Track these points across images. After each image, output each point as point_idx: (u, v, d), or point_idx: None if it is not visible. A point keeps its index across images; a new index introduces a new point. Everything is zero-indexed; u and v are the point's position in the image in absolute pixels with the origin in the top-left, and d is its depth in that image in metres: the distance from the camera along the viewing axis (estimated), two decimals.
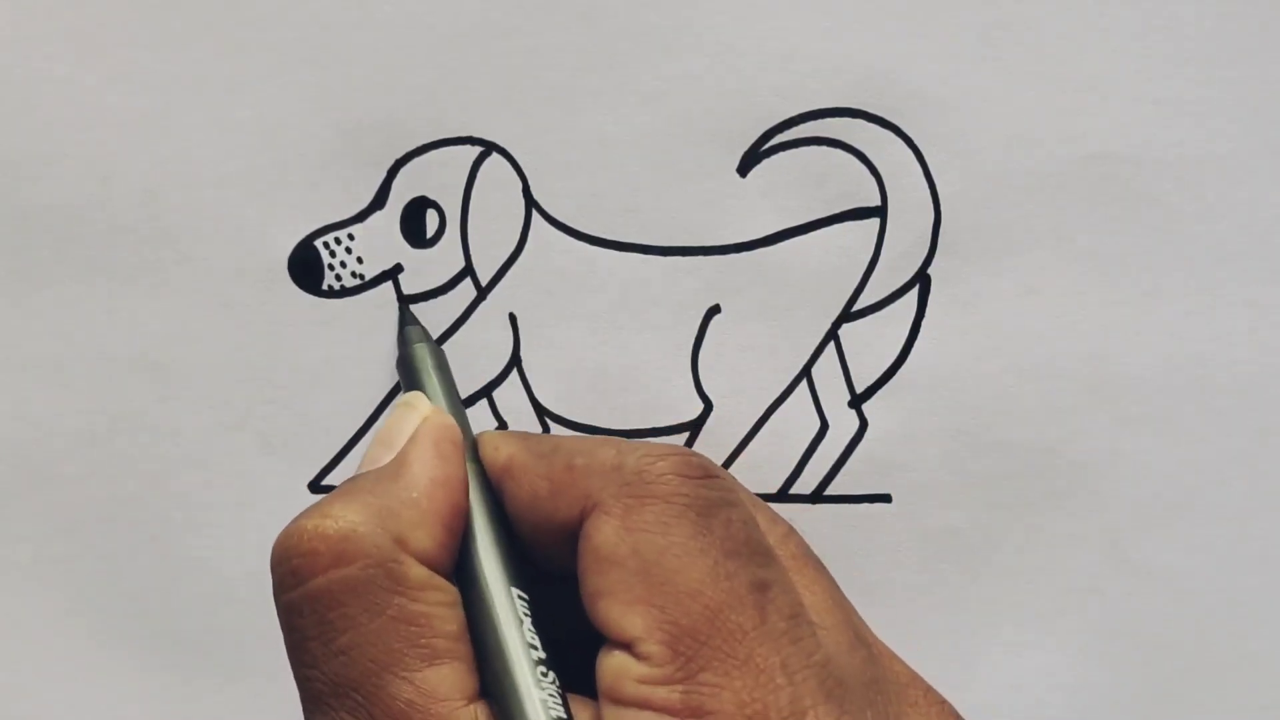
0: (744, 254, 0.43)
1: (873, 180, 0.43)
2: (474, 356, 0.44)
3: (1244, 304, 0.43)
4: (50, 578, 0.44)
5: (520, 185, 0.43)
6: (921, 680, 0.37)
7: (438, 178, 0.43)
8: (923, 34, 0.43)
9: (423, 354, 0.41)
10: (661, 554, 0.33)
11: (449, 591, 0.34)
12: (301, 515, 0.34)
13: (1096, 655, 0.44)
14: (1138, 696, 0.44)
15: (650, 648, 0.32)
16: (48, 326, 0.44)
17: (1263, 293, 0.43)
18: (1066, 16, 0.43)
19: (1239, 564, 0.44)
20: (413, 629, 0.33)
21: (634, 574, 0.33)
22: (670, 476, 0.34)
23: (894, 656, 0.37)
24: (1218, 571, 0.44)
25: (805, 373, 0.44)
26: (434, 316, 0.44)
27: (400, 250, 0.44)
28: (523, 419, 0.44)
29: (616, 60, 0.43)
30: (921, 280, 0.43)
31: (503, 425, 0.44)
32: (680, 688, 0.32)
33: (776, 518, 0.38)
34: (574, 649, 0.34)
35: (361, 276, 0.44)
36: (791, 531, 0.38)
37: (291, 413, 0.44)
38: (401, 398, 0.39)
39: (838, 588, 0.37)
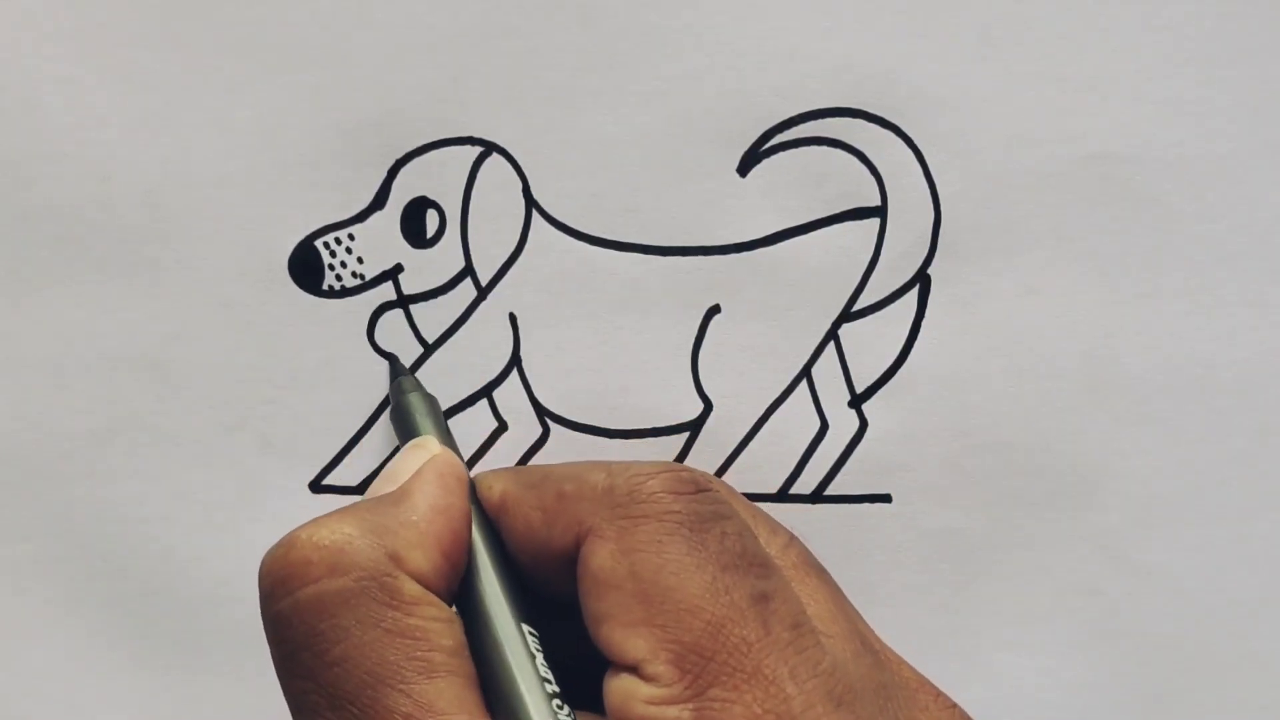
0: (744, 254, 0.43)
1: (873, 180, 0.43)
2: (474, 356, 0.44)
3: (1244, 304, 0.43)
4: (50, 578, 0.44)
5: (520, 185, 0.43)
6: (930, 684, 0.37)
7: (438, 178, 0.43)
8: (923, 34, 0.43)
9: (419, 403, 0.41)
10: (658, 573, 0.33)
11: (444, 610, 0.34)
12: (295, 529, 0.34)
13: (1096, 655, 0.44)
14: (1138, 696, 0.44)
15: (657, 668, 0.32)
16: (48, 326, 0.44)
17: (1263, 293, 0.43)
18: (1066, 16, 0.43)
19: (1239, 564, 0.44)
20: (408, 642, 0.32)
21: (632, 595, 0.33)
22: (661, 495, 0.34)
23: (901, 661, 0.37)
24: (1218, 571, 0.44)
25: (805, 373, 0.44)
26: (434, 316, 0.44)
27: (400, 250, 0.44)
28: (523, 419, 0.44)
29: (616, 60, 0.43)
30: (921, 280, 0.43)
31: (503, 425, 0.44)
32: (690, 706, 0.32)
33: (777, 526, 0.38)
34: (583, 676, 0.34)
35: (362, 276, 0.44)
36: (793, 540, 0.38)
37: (291, 413, 0.44)
38: (412, 441, 0.39)
39: (842, 594, 0.37)
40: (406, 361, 0.44)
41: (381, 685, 0.32)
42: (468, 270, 0.44)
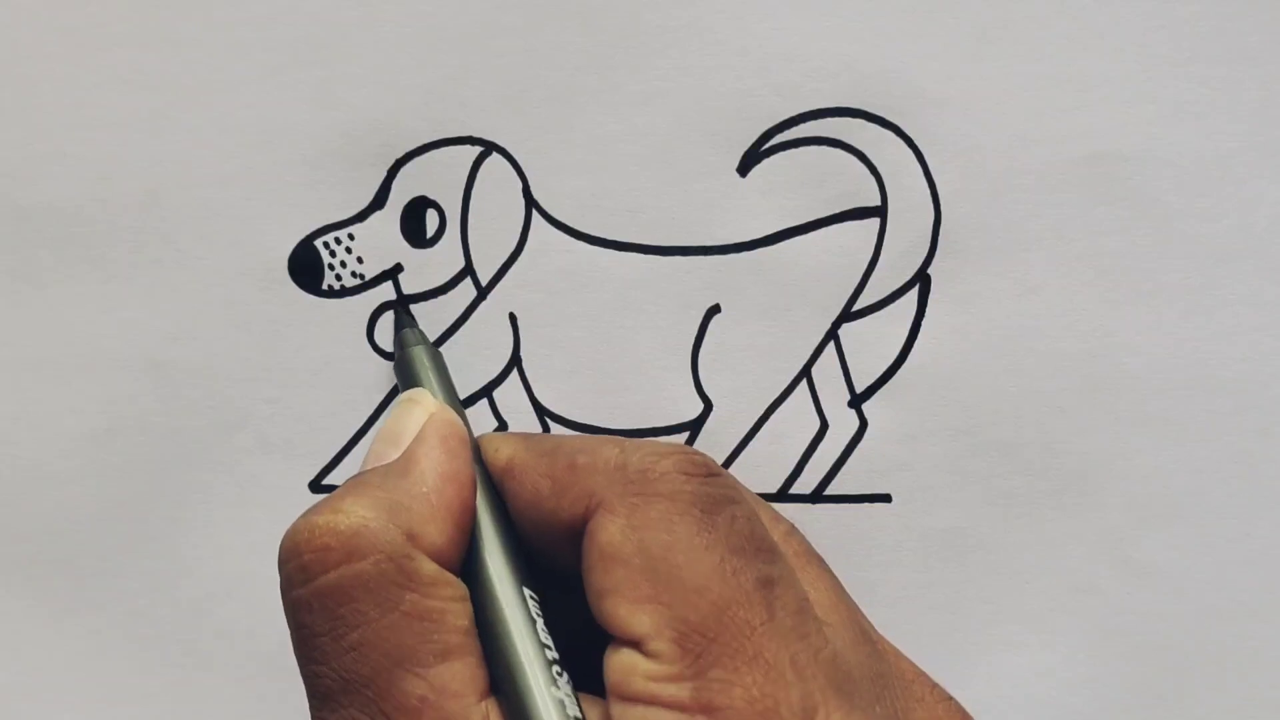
0: (744, 254, 0.43)
1: (873, 180, 0.43)
2: (474, 356, 0.44)
3: (1244, 304, 0.43)
4: (50, 578, 0.44)
5: (520, 185, 0.43)
6: (927, 677, 0.37)
7: (438, 178, 0.43)
8: (923, 34, 0.43)
9: (420, 355, 0.41)
10: (667, 551, 0.33)
11: (459, 587, 0.34)
12: (310, 511, 0.34)
13: (1096, 655, 0.44)
14: (1138, 696, 0.44)
15: (659, 645, 0.32)
16: (48, 326, 0.44)
17: (1263, 293, 0.43)
18: (1066, 16, 0.43)
19: (1239, 564, 0.44)
20: (425, 625, 0.33)
21: (640, 572, 0.33)
22: (674, 475, 0.34)
23: (899, 654, 0.37)
24: (1218, 571, 0.44)
25: (805, 373, 0.44)
26: (434, 316, 0.44)
27: (400, 250, 0.44)
28: (523, 419, 0.44)
29: (616, 60, 0.43)
30: (921, 280, 0.43)
31: (503, 425, 0.44)
32: (690, 684, 0.32)
33: (778, 516, 0.38)
34: (579, 647, 0.34)
35: (361, 276, 0.44)
36: (794, 529, 0.38)
37: (291, 412, 0.44)
38: (404, 394, 0.39)
39: (840, 585, 0.37)
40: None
41: (397, 669, 0.32)
42: (468, 270, 0.44)
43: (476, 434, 0.39)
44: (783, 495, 0.44)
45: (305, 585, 0.33)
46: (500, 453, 0.37)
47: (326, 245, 0.44)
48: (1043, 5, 0.43)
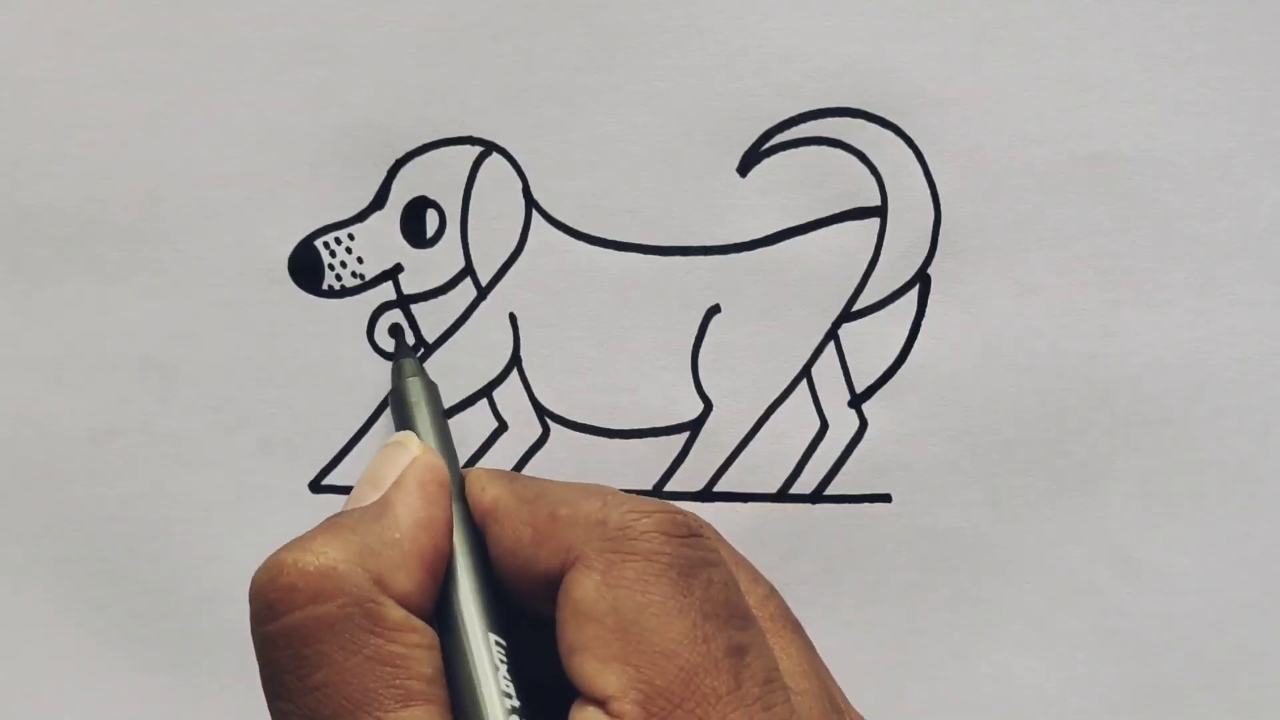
0: (744, 254, 0.43)
1: (873, 180, 0.43)
2: (474, 356, 0.44)
3: (1244, 304, 0.43)
4: (50, 578, 0.44)
5: (520, 185, 0.43)
6: None
7: (438, 178, 0.43)
8: (923, 34, 0.43)
9: (415, 388, 0.40)
10: (640, 612, 0.33)
11: (426, 634, 0.34)
12: (282, 549, 0.34)
13: (1096, 655, 0.44)
14: (1137, 696, 0.44)
15: (624, 706, 0.32)
16: (48, 326, 0.44)
17: (1263, 292, 0.43)
18: (1066, 16, 0.43)
19: (1239, 564, 0.44)
20: (388, 669, 0.33)
21: (611, 631, 0.33)
22: (654, 534, 0.34)
23: None
24: (1218, 571, 0.44)
25: (805, 372, 0.44)
26: (434, 316, 0.44)
27: (400, 250, 0.44)
28: (523, 419, 0.44)
29: (616, 60, 0.43)
30: (921, 280, 0.43)
31: (503, 425, 0.44)
32: None
33: (758, 577, 0.38)
34: (550, 696, 0.34)
35: (361, 276, 0.44)
36: (772, 592, 0.38)
37: (291, 413, 0.44)
38: (393, 438, 0.39)
39: (815, 652, 0.38)
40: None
41: (360, 712, 0.32)
42: (468, 270, 0.44)
43: (464, 463, 0.39)
44: (782, 495, 0.44)
45: (271, 622, 0.33)
46: (486, 493, 0.37)
47: (326, 245, 0.44)
48: (1043, 5, 0.43)
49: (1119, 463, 0.43)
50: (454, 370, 0.44)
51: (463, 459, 0.44)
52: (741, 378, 0.44)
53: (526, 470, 0.44)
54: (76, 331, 0.44)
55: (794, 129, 0.43)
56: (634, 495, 0.35)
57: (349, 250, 0.44)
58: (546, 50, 0.43)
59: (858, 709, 0.38)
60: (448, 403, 0.44)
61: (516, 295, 0.44)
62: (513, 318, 0.44)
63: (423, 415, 0.40)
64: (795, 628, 0.37)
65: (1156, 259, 0.43)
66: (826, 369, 0.44)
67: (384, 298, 0.44)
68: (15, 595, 0.44)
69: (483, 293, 0.44)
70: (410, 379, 0.41)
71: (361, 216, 0.44)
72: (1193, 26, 0.43)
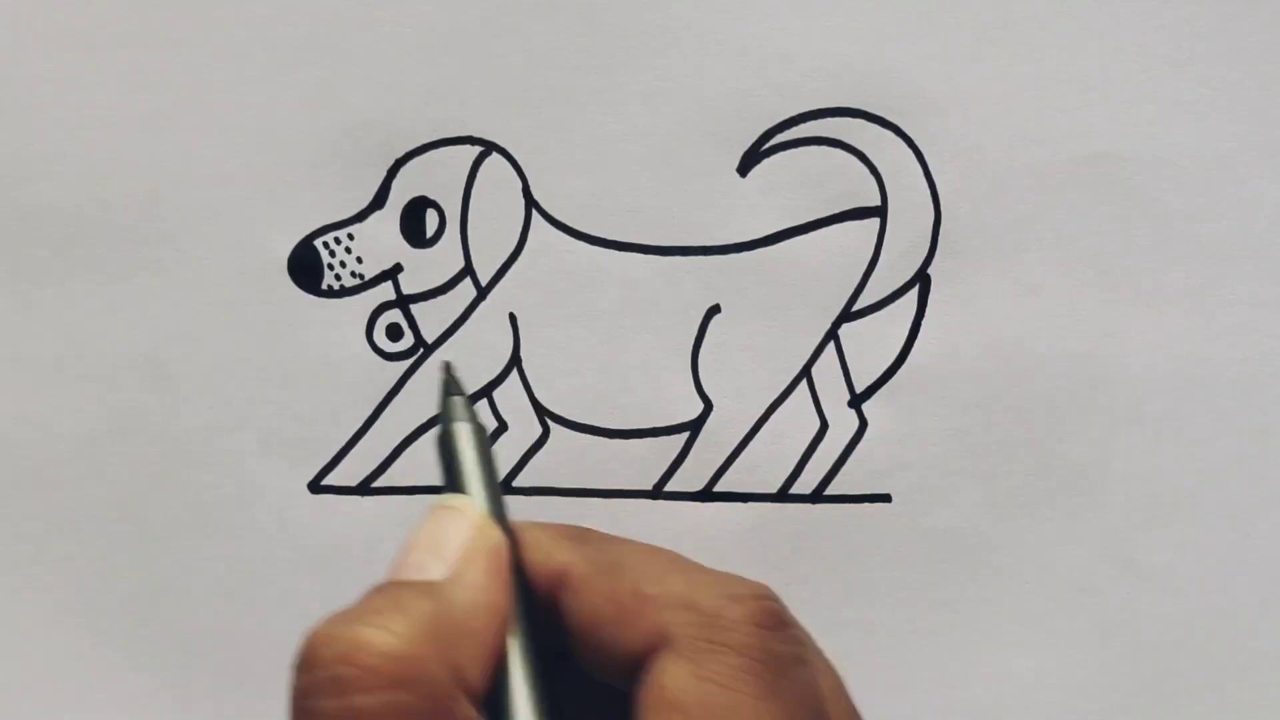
0: (744, 254, 0.43)
1: (873, 180, 0.43)
2: (474, 356, 0.44)
3: (1244, 303, 0.43)
4: (50, 578, 0.44)
5: (520, 185, 0.43)
6: None
7: (438, 177, 0.43)
8: (923, 34, 0.43)
9: (465, 436, 0.35)
10: (728, 712, 0.32)
11: None
12: (350, 617, 0.31)
13: (1096, 655, 0.44)
14: (1138, 696, 0.44)
15: None
16: (48, 326, 0.44)
17: (1263, 292, 0.43)
18: (1066, 16, 0.43)
19: (1239, 564, 0.43)
20: None
21: None
22: (746, 625, 0.33)
23: None
24: (1218, 571, 0.44)
25: (805, 373, 0.44)
26: (434, 316, 0.44)
27: (400, 250, 0.44)
28: (523, 419, 0.44)
29: (617, 60, 0.43)
30: (921, 280, 0.43)
31: (503, 425, 0.44)
32: None
33: (828, 667, 0.37)
34: None
35: (361, 276, 0.44)
36: (840, 686, 0.37)
37: (291, 412, 0.44)
38: (448, 500, 0.35)
39: None
40: (405, 362, 0.44)
41: None
42: (467, 270, 0.44)
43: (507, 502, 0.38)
44: (782, 495, 0.44)
45: (336, 698, 0.31)
46: (553, 558, 0.34)
47: (326, 245, 0.43)
48: (1043, 5, 0.43)
49: (1119, 463, 0.43)
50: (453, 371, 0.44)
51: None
52: (741, 378, 0.44)
53: (527, 471, 0.44)
54: (76, 331, 0.44)
55: (794, 129, 0.43)
56: (717, 573, 0.34)
57: (349, 250, 0.44)
58: (547, 50, 0.43)
59: (857, 709, 0.38)
60: None
61: (516, 295, 0.44)
62: (512, 318, 0.44)
63: (474, 469, 0.36)
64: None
65: (1156, 259, 0.43)
66: (826, 369, 0.44)
67: (383, 298, 0.44)
68: (15, 595, 0.44)
69: (482, 293, 0.44)
70: (460, 423, 0.36)
71: (361, 216, 0.44)
72: (1193, 26, 0.43)
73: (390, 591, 0.33)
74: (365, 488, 0.44)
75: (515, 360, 0.44)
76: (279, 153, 0.43)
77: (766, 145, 0.43)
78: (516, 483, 0.44)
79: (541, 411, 0.44)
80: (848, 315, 0.43)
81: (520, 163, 0.43)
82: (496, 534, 0.34)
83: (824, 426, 0.44)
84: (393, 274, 0.44)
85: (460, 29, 0.43)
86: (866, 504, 0.44)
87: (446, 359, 0.40)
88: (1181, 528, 0.43)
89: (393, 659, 0.31)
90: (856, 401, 0.44)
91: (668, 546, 0.44)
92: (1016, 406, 0.43)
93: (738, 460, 0.44)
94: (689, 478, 0.44)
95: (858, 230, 0.43)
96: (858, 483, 0.44)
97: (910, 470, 0.44)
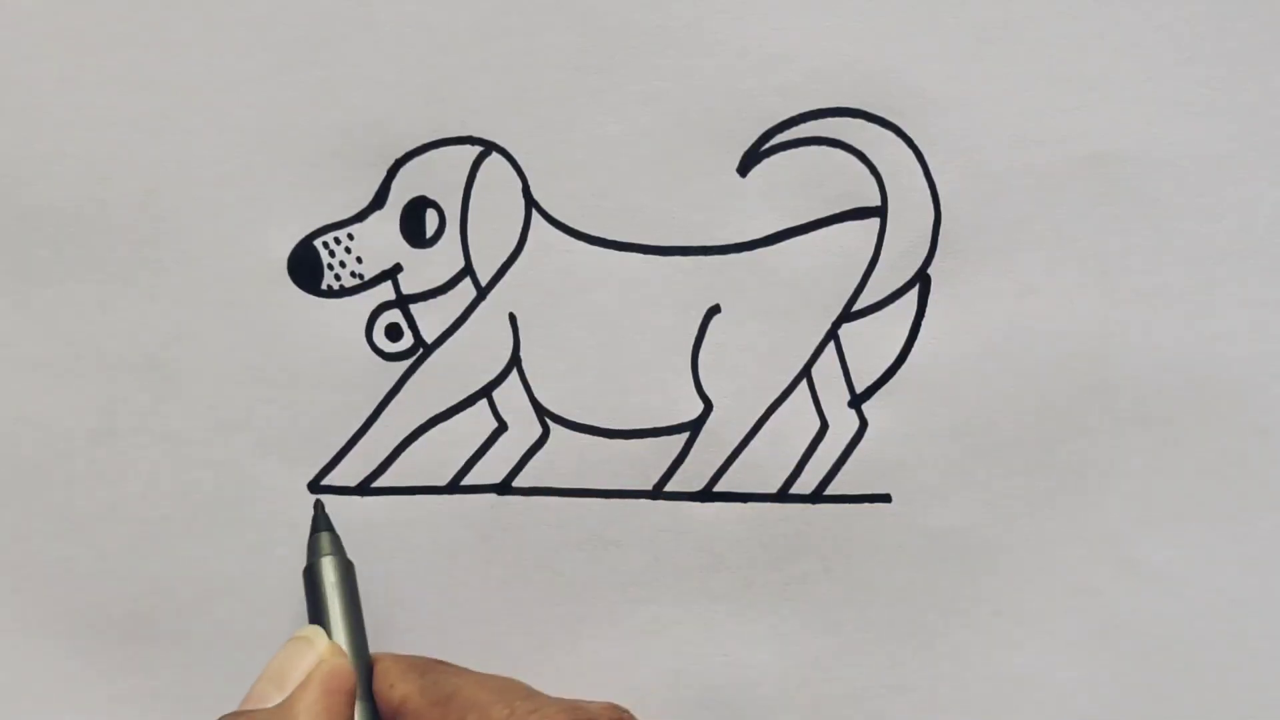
0: (744, 254, 0.43)
1: (873, 180, 0.43)
2: (473, 356, 0.44)
3: (1244, 304, 0.43)
4: (50, 577, 0.44)
5: (520, 185, 0.43)
6: None
7: (437, 177, 0.43)
8: (923, 34, 0.43)
9: (329, 569, 0.40)
10: None
11: None
12: None
13: (1096, 655, 0.44)
14: (1138, 696, 0.44)
15: None
16: (48, 326, 0.44)
17: (1263, 293, 0.43)
18: (1066, 16, 0.43)
19: (1239, 564, 0.43)
20: None
21: None
22: None
23: None
24: (1218, 571, 0.44)
25: (805, 373, 0.44)
26: (433, 316, 0.44)
27: (400, 250, 0.44)
28: (523, 419, 0.44)
29: (617, 60, 0.43)
30: (921, 280, 0.43)
31: (503, 425, 0.44)
32: None
33: None
34: None
35: (361, 276, 0.44)
36: None
37: (290, 412, 0.44)
38: (300, 632, 0.39)
39: None
40: (404, 362, 0.44)
41: None
42: (467, 270, 0.44)
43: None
44: (783, 496, 0.44)
45: None
46: (395, 690, 0.37)
47: (326, 245, 0.43)
48: (1042, 5, 0.43)
49: (1119, 463, 0.43)
50: (453, 370, 0.44)
51: (461, 460, 0.44)
52: (741, 378, 0.44)
53: (524, 474, 0.44)
54: (76, 331, 0.44)
55: (794, 129, 0.43)
56: (549, 700, 0.35)
57: (348, 250, 0.44)
58: (546, 50, 0.43)
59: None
60: (447, 403, 0.44)
61: (516, 295, 0.44)
62: (512, 318, 0.44)
63: (335, 601, 0.39)
64: None
65: (1156, 259, 0.43)
66: (826, 369, 0.44)
67: (383, 297, 0.44)
68: (15, 594, 0.44)
69: (482, 293, 0.44)
70: (325, 557, 0.40)
71: (361, 216, 0.44)
72: (1192, 27, 0.43)
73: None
74: (365, 488, 0.44)
75: (515, 360, 0.44)
76: (279, 153, 0.43)
77: (766, 145, 0.43)
78: (516, 483, 0.44)
79: (541, 411, 0.44)
80: (848, 315, 0.43)
81: (520, 163, 0.43)
82: (341, 663, 0.37)
83: (824, 426, 0.44)
84: (392, 274, 0.44)
85: (460, 29, 0.43)
86: (866, 504, 0.44)
87: (318, 498, 0.42)
88: (1181, 528, 0.43)
89: None
90: (856, 401, 0.44)
91: (668, 547, 0.44)
92: (1016, 406, 0.43)
93: (738, 460, 0.44)
94: (689, 478, 0.44)
95: (858, 230, 0.43)
96: (858, 483, 0.44)
97: (910, 470, 0.44)
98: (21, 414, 0.44)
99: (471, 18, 0.43)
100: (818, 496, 0.44)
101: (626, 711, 0.37)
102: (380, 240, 0.44)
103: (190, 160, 0.43)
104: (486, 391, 0.44)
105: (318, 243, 0.43)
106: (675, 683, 0.44)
